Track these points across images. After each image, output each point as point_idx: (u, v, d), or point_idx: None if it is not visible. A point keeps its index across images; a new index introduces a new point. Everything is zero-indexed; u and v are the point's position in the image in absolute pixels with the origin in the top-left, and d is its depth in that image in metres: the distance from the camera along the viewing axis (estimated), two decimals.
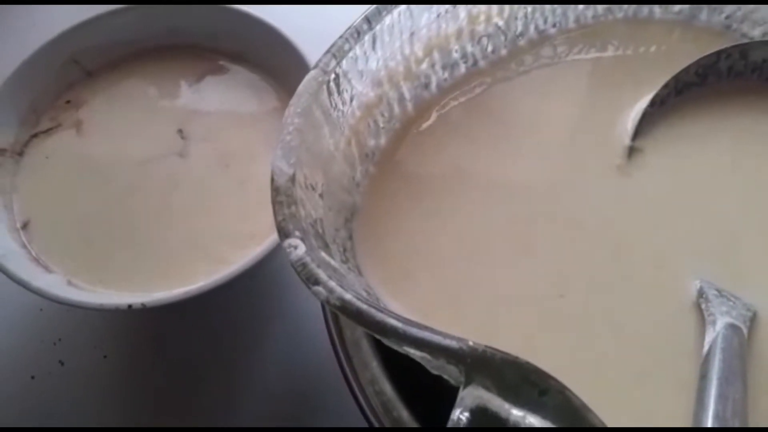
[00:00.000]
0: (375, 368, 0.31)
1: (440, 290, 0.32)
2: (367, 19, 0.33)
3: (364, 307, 0.23)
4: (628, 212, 0.33)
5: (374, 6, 0.33)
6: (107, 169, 0.47)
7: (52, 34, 0.49)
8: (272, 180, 0.27)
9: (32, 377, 0.46)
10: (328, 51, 0.31)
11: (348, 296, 0.24)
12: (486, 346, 0.22)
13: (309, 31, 0.47)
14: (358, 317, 0.23)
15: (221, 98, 0.50)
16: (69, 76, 0.51)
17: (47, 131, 0.49)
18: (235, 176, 0.46)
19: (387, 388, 0.31)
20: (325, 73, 0.31)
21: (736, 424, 0.23)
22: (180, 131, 0.48)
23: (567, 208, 0.33)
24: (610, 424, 0.21)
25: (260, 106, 0.50)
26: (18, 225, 0.45)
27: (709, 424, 0.23)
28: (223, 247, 0.43)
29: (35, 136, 0.49)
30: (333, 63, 0.31)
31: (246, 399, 0.44)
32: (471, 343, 0.22)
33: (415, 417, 0.30)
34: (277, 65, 0.49)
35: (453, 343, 0.22)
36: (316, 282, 0.24)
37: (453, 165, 0.36)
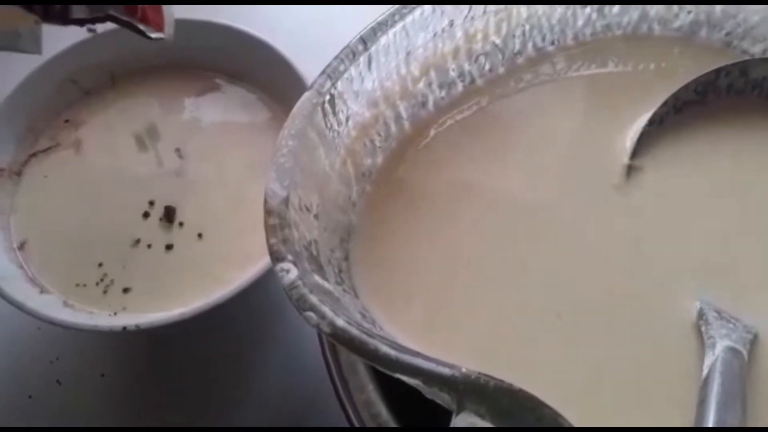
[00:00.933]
0: (371, 391, 0.31)
1: (437, 311, 0.32)
2: (362, 40, 0.33)
3: (356, 333, 0.23)
4: (627, 232, 0.32)
5: (369, 26, 0.33)
6: (105, 188, 0.47)
7: (50, 54, 0.49)
8: (265, 202, 0.27)
9: (29, 396, 0.46)
10: (323, 72, 0.31)
11: (339, 322, 0.23)
12: (479, 373, 0.22)
13: (306, 48, 0.48)
14: (349, 344, 0.23)
15: (219, 117, 0.50)
16: (67, 96, 0.51)
17: (46, 151, 0.49)
18: (232, 195, 0.46)
19: (383, 411, 0.30)
20: (320, 94, 0.31)
21: None
22: (178, 150, 0.48)
23: (565, 228, 0.33)
24: None
25: (258, 124, 0.50)
26: (15, 245, 0.45)
27: None
28: (220, 266, 0.43)
29: (34, 155, 0.49)
30: (328, 84, 0.31)
31: (241, 420, 0.44)
32: (464, 371, 0.22)
33: None
34: (275, 83, 0.49)
35: (445, 371, 0.22)
36: (308, 307, 0.24)
37: (450, 184, 0.36)
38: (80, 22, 0.35)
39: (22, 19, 0.34)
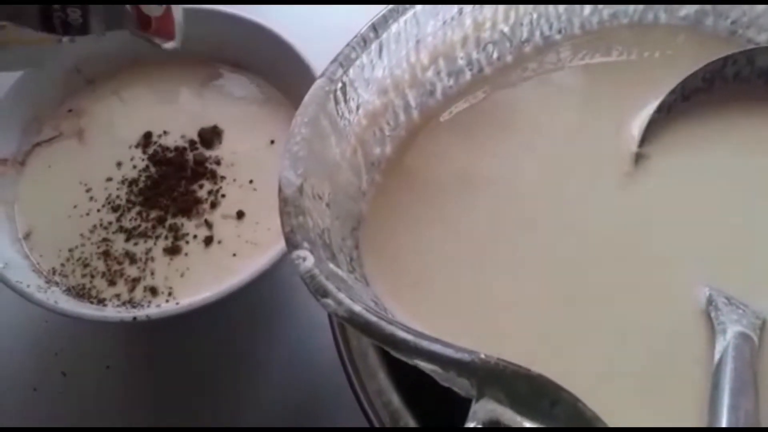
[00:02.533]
0: (382, 379, 0.31)
1: (447, 299, 0.32)
2: (374, 27, 0.33)
3: (374, 319, 0.23)
4: (636, 219, 0.33)
5: (380, 13, 0.33)
6: (113, 177, 0.47)
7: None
8: (280, 190, 0.27)
9: (34, 389, 0.46)
10: (335, 59, 0.31)
11: (357, 308, 0.24)
12: (498, 359, 0.22)
13: (311, 37, 0.47)
14: (367, 329, 0.23)
15: (224, 106, 0.50)
16: (71, 85, 0.51)
17: (49, 140, 0.49)
18: (239, 184, 0.46)
19: (395, 398, 0.31)
20: (332, 81, 0.31)
21: None
22: (183, 137, 0.48)
23: (574, 215, 0.33)
24: None
25: (263, 113, 0.49)
26: (20, 235, 0.45)
27: None
28: (228, 255, 0.43)
29: (38, 145, 0.49)
30: (340, 71, 0.31)
31: (252, 410, 0.44)
32: (483, 356, 0.22)
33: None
34: (280, 72, 0.49)
35: (465, 356, 0.22)
36: (325, 294, 0.24)
37: (459, 172, 0.36)
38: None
39: (45, 38, 0.35)
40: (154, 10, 0.38)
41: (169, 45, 0.40)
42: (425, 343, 0.22)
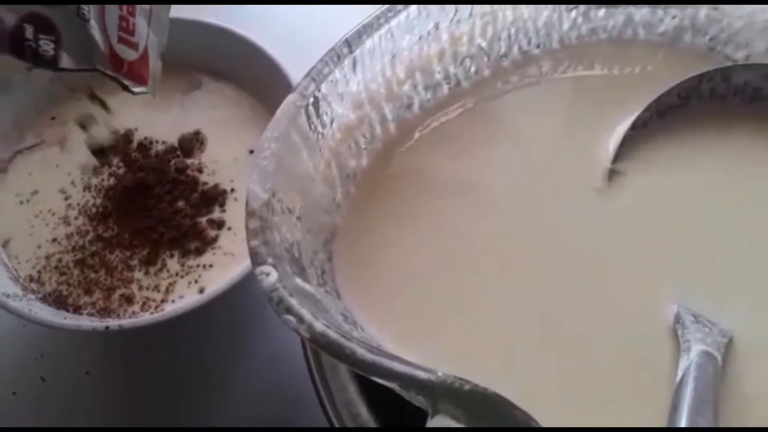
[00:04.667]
0: (352, 392, 0.31)
1: (419, 311, 0.32)
2: (348, 43, 0.33)
3: (334, 336, 0.23)
4: (608, 235, 0.33)
5: (354, 29, 0.33)
6: (91, 185, 0.47)
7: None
8: (247, 204, 0.27)
9: (14, 393, 0.46)
10: (307, 75, 0.31)
11: (318, 326, 0.24)
12: (455, 377, 0.22)
13: (293, 48, 0.48)
14: (327, 348, 0.23)
15: (205, 115, 0.50)
16: (53, 93, 0.51)
17: (31, 148, 0.49)
18: (217, 194, 0.46)
19: (363, 411, 0.31)
20: (304, 96, 0.31)
21: None
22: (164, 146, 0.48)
23: (548, 230, 0.33)
24: None
25: (243, 122, 0.50)
26: None
27: None
28: (206, 266, 0.43)
29: (19, 152, 0.49)
30: (312, 87, 0.31)
31: (224, 418, 0.44)
32: (440, 374, 0.22)
33: None
34: (261, 83, 0.49)
35: (421, 375, 0.22)
36: (287, 311, 0.24)
37: (435, 185, 0.36)
38: (68, 70, 0.36)
39: (14, 66, 0.34)
40: (127, 54, 0.37)
41: (138, 89, 0.39)
42: (383, 361, 0.23)
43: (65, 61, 0.34)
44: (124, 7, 0.37)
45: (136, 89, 0.39)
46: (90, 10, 0.34)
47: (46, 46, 0.33)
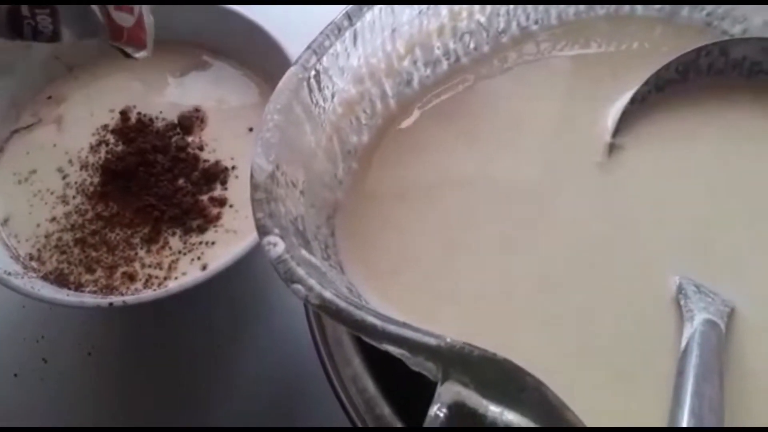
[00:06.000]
0: (357, 365, 0.31)
1: (421, 287, 0.32)
2: (348, 16, 0.33)
3: (343, 304, 0.23)
4: (609, 209, 0.33)
5: (355, 3, 0.33)
6: (88, 164, 0.47)
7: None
8: (251, 177, 0.27)
9: (15, 375, 0.46)
10: (308, 47, 0.31)
11: (327, 294, 0.24)
12: (464, 343, 0.22)
13: (291, 26, 0.48)
14: (336, 315, 0.23)
15: (205, 93, 0.50)
16: (51, 72, 0.51)
17: (28, 127, 0.49)
18: (218, 171, 0.46)
19: (369, 385, 0.31)
20: (306, 69, 0.31)
21: (712, 422, 0.23)
22: (164, 123, 0.48)
23: (548, 205, 0.34)
24: (587, 421, 0.21)
25: (244, 100, 0.50)
26: None
27: (685, 421, 0.23)
28: (208, 243, 0.43)
29: (16, 131, 0.49)
30: (313, 59, 0.31)
31: (229, 396, 0.44)
32: (449, 340, 0.22)
33: (398, 414, 0.30)
34: (260, 60, 0.49)
35: (431, 340, 0.22)
36: (295, 280, 0.24)
37: (435, 161, 0.36)
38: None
39: (13, 45, 0.35)
40: (125, 20, 0.37)
41: (140, 54, 0.39)
42: (393, 328, 0.23)
43: (66, 35, 0.34)
44: None
45: (137, 54, 0.39)
46: None
47: (45, 21, 0.33)
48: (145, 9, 0.39)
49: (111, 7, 0.36)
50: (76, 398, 0.45)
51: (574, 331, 0.30)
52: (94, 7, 0.35)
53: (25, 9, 0.32)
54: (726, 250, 0.31)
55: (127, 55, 0.39)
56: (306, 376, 0.43)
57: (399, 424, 0.29)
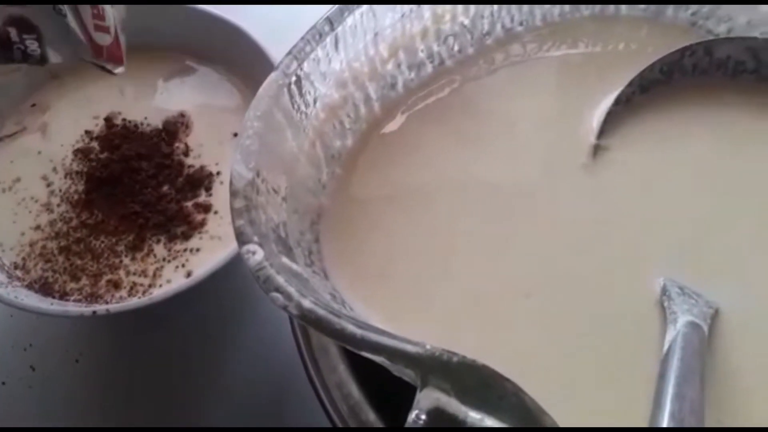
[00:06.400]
0: (342, 372, 0.31)
1: (406, 291, 0.32)
2: (329, 21, 0.32)
3: (322, 313, 0.23)
4: (594, 211, 0.33)
5: (336, 6, 0.33)
6: (72, 171, 0.47)
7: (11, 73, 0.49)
8: (231, 184, 0.27)
9: (3, 383, 0.45)
10: (289, 53, 0.31)
11: (306, 303, 0.24)
12: (443, 350, 0.22)
13: (275, 30, 0.47)
14: (316, 323, 0.23)
15: (190, 98, 0.50)
16: (35, 79, 0.51)
17: (12, 135, 0.49)
18: (203, 177, 0.46)
19: (354, 391, 0.31)
20: (286, 75, 0.31)
21: (693, 423, 0.23)
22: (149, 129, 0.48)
23: (533, 207, 0.33)
24: (569, 424, 0.21)
25: (228, 105, 0.50)
26: None
27: (665, 423, 0.23)
28: (192, 250, 0.43)
29: (0, 140, 0.49)
30: (294, 65, 0.31)
31: (214, 400, 0.44)
32: (428, 347, 0.22)
33: (383, 420, 0.30)
34: (244, 65, 0.49)
35: (410, 348, 0.22)
36: (274, 288, 0.24)
37: (421, 165, 0.36)
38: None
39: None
40: (104, 39, 0.38)
41: (118, 70, 0.41)
42: (372, 336, 0.22)
43: (53, 57, 0.35)
44: None
45: (116, 70, 0.41)
46: (65, 5, 0.35)
47: (32, 45, 0.34)
48: (119, 25, 0.40)
49: (90, 28, 0.37)
50: (64, 405, 0.45)
51: (558, 334, 0.29)
52: (75, 28, 0.36)
53: (14, 34, 0.34)
54: (710, 251, 0.31)
55: (107, 71, 0.40)
56: (292, 382, 0.43)
57: None
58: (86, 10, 0.37)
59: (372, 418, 0.30)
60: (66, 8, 0.35)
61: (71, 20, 0.36)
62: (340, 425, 0.30)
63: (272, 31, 0.49)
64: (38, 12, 0.34)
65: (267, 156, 0.29)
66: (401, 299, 0.32)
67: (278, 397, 0.44)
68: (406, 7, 0.35)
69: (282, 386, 0.44)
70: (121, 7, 0.40)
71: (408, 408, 0.23)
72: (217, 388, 0.44)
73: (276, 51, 0.46)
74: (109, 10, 0.38)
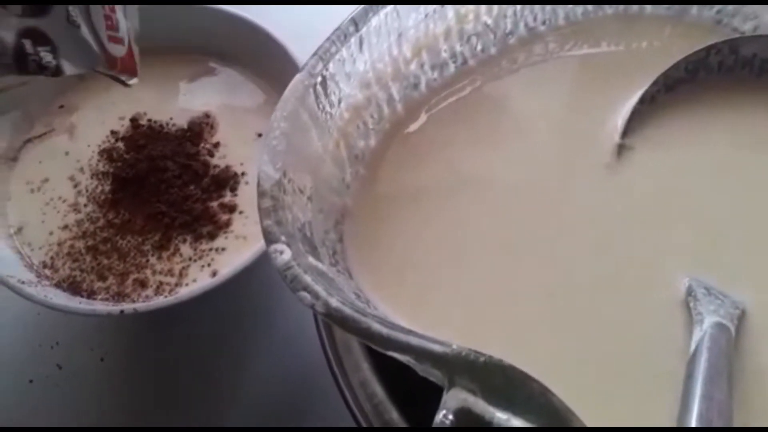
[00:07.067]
0: (366, 370, 0.31)
1: (430, 291, 0.32)
2: (354, 21, 0.33)
3: (349, 312, 0.23)
4: (618, 210, 0.33)
5: (361, 7, 0.33)
6: (99, 172, 0.48)
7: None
8: (258, 184, 0.27)
9: (30, 381, 0.46)
10: (314, 54, 0.31)
11: (333, 301, 0.24)
12: (470, 350, 0.22)
13: (299, 30, 0.48)
14: (342, 322, 0.24)
15: (214, 99, 0.50)
16: (62, 82, 0.51)
17: (41, 136, 0.50)
18: (228, 177, 0.46)
19: (378, 390, 0.31)
20: (312, 76, 0.31)
21: (720, 424, 0.23)
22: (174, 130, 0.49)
23: (557, 207, 0.33)
24: (596, 424, 0.21)
25: (252, 105, 0.50)
26: (12, 231, 0.45)
27: (693, 423, 0.23)
28: (218, 250, 0.43)
29: (29, 141, 0.49)
30: (320, 66, 0.31)
31: (239, 401, 0.44)
32: (455, 347, 0.22)
33: (406, 419, 0.30)
34: (267, 65, 0.49)
35: (437, 348, 0.22)
36: (302, 287, 0.24)
37: (443, 165, 0.36)
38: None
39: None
40: (118, 51, 0.39)
41: (132, 81, 0.41)
42: (398, 335, 0.23)
43: (68, 68, 0.35)
44: (107, 5, 0.38)
45: (130, 81, 0.41)
46: (78, 15, 0.36)
47: (47, 56, 0.34)
48: (132, 37, 0.41)
49: (104, 39, 0.38)
50: (90, 403, 0.45)
51: (582, 334, 0.29)
52: (89, 39, 0.36)
53: (29, 46, 0.34)
54: (736, 252, 0.31)
55: (121, 82, 0.41)
56: (316, 381, 0.43)
57: None
58: (100, 21, 0.37)
59: (395, 417, 0.30)
60: (80, 19, 0.36)
61: (85, 32, 0.36)
62: (364, 425, 0.30)
63: (295, 31, 0.49)
64: (52, 24, 0.34)
65: (293, 156, 0.29)
66: (423, 300, 0.32)
67: (302, 396, 0.44)
68: (430, 7, 0.36)
69: (306, 385, 0.44)
70: (135, 19, 0.41)
71: (431, 407, 0.23)
72: (242, 386, 0.45)
73: (298, 51, 0.46)
74: (122, 21, 0.39)
